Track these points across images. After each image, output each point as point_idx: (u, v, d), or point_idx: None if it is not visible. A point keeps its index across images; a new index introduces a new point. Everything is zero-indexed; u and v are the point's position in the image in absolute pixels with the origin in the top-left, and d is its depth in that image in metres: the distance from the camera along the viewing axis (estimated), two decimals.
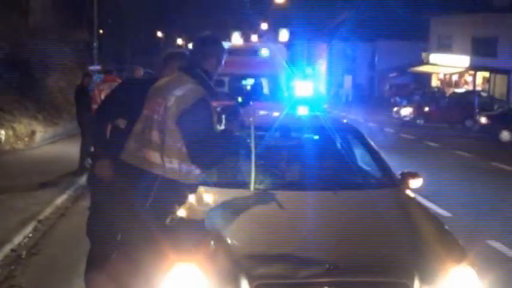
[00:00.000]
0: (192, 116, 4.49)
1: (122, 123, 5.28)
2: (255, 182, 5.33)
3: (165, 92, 4.65)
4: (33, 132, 19.13)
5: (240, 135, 5.37)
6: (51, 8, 30.25)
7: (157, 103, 4.62)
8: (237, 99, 5.04)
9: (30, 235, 8.76)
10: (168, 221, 4.70)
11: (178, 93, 4.56)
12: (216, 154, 4.64)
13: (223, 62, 4.94)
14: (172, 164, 4.54)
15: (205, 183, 5.10)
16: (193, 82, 4.67)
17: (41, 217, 9.58)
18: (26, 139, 18.47)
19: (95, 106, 12.52)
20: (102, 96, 11.95)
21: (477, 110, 35.24)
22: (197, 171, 4.72)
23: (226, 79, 15.31)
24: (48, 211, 9.99)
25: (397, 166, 6.67)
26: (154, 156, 4.55)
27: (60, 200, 10.88)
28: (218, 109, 4.91)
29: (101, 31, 47.28)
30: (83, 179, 11.74)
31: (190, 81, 4.68)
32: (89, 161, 10.28)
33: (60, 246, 8.35)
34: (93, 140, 5.86)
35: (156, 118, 4.58)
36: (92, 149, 6.10)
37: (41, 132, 19.90)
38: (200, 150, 4.52)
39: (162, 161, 4.53)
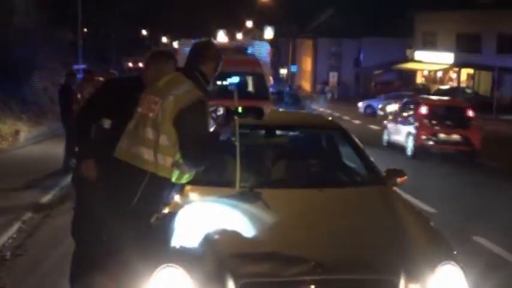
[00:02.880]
0: (189, 116, 4.56)
1: (106, 122, 5.26)
2: (240, 180, 5.31)
3: (162, 91, 4.71)
4: (17, 132, 19.04)
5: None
6: (35, 8, 30.09)
7: (154, 101, 4.67)
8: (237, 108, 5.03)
9: (15, 236, 8.70)
10: (153, 220, 4.71)
11: (177, 92, 4.64)
12: (210, 155, 4.69)
13: (219, 68, 5.04)
14: (166, 162, 4.57)
15: (191, 181, 5.09)
16: (191, 83, 4.72)
17: (26, 217, 9.51)
18: (10, 139, 18.38)
19: (75, 106, 12.48)
20: (85, 96, 11.91)
21: None
22: (190, 172, 4.74)
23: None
24: (32, 211, 9.92)
25: (382, 163, 6.68)
26: (148, 154, 4.59)
27: (44, 200, 10.82)
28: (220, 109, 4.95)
29: (85, 30, 47.13)
30: (67, 179, 11.66)
31: (188, 82, 4.75)
32: (74, 160, 10.23)
33: (45, 247, 8.29)
34: (77, 139, 5.81)
35: (151, 116, 4.63)
36: (77, 149, 6.06)
37: (25, 132, 19.81)
38: (195, 150, 4.55)
39: (155, 159, 4.57)
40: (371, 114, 39.84)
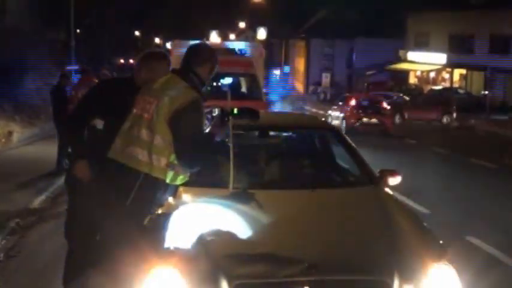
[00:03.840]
0: (184, 117, 4.56)
1: (99, 123, 5.25)
2: (234, 181, 5.31)
3: (158, 92, 4.72)
4: (10, 133, 18.98)
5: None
6: (28, 9, 30.01)
7: (149, 102, 4.69)
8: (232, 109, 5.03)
9: (8, 237, 8.68)
10: (147, 221, 4.70)
11: (172, 93, 4.64)
12: (205, 156, 4.69)
13: (215, 71, 5.04)
14: (160, 163, 4.57)
15: (184, 182, 5.09)
16: (186, 85, 4.74)
17: (19, 219, 9.49)
18: (3, 140, 18.33)
19: (71, 107, 12.42)
20: (79, 96, 11.87)
21: (454, 107, 35.58)
22: (184, 173, 4.73)
23: None
24: (26, 213, 9.90)
25: (374, 163, 6.68)
26: (142, 154, 4.59)
27: (38, 201, 10.79)
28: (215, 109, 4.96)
29: (78, 30, 47.03)
30: (61, 180, 11.64)
31: (183, 83, 4.76)
32: (67, 161, 10.20)
33: (39, 248, 8.26)
34: (70, 140, 5.80)
35: (146, 117, 4.64)
36: (70, 150, 6.05)
37: (18, 133, 19.76)
38: (190, 151, 4.55)
39: (150, 159, 4.57)
40: None
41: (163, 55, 5.44)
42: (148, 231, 4.67)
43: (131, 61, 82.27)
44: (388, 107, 29.21)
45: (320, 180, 6.16)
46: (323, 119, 8.02)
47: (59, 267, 5.83)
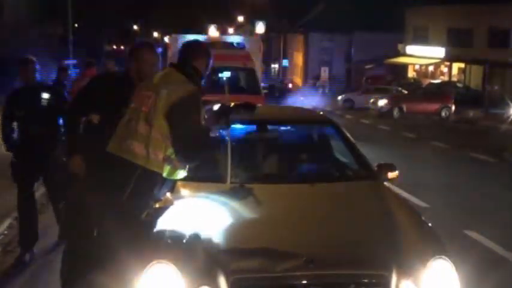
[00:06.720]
0: (181, 109, 4.55)
1: (95, 118, 5.23)
2: (231, 176, 5.29)
3: (156, 85, 4.71)
4: None
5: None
6: (25, 3, 29.97)
7: (147, 96, 4.67)
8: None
9: (6, 232, 8.67)
10: (144, 216, 4.68)
11: (170, 87, 4.64)
12: (203, 150, 4.67)
13: (210, 64, 5.03)
14: (157, 157, 4.55)
15: None
16: (184, 78, 4.73)
17: (16, 214, 9.44)
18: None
19: None
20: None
21: (453, 101, 35.60)
22: (182, 168, 4.71)
23: None
24: None
25: (373, 157, 6.66)
26: (139, 148, 4.58)
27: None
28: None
29: (76, 25, 46.98)
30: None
31: (181, 76, 4.75)
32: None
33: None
34: (66, 135, 5.79)
35: (144, 110, 4.62)
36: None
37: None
38: (187, 144, 4.53)
39: (147, 153, 4.55)
40: (349, 107, 42.39)
41: (151, 45, 5.48)
42: (145, 226, 4.65)
43: (122, 47, 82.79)
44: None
45: (318, 175, 6.15)
46: (321, 113, 7.99)
47: (56, 263, 5.81)
